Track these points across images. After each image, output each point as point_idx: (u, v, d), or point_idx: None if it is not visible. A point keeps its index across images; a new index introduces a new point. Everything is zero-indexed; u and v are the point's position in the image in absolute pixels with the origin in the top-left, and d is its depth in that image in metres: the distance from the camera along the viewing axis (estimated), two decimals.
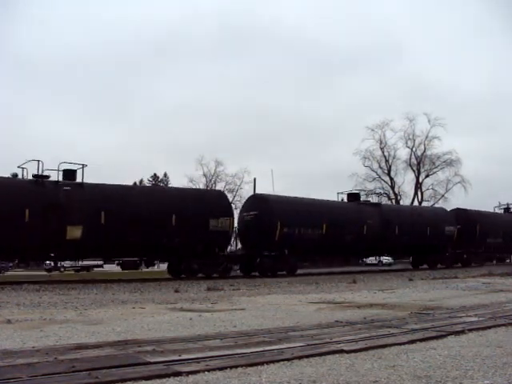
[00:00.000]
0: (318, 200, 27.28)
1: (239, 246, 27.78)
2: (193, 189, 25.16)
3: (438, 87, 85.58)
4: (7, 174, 24.18)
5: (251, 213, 24.62)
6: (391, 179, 57.23)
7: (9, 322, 7.61)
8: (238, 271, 25.07)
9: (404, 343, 5.39)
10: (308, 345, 5.23)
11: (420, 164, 56.76)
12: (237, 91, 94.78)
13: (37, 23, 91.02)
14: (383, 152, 56.67)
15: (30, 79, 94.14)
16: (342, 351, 4.92)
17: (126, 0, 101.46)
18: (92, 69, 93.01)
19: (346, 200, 30.67)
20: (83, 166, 20.01)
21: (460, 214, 34.67)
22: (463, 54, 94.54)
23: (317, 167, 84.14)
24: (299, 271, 26.04)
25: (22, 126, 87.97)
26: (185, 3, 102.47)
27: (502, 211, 40.67)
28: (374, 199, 35.46)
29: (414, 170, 56.95)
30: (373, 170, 57.21)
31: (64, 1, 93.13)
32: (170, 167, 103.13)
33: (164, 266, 26.74)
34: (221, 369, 4.17)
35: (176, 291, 15.04)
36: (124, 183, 23.94)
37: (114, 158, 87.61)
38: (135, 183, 72.93)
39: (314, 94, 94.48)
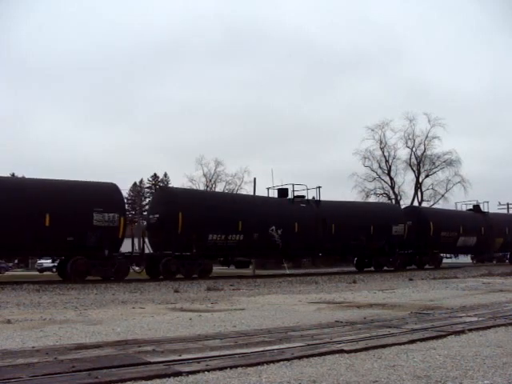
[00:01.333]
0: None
1: None
2: None
3: (438, 89, 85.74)
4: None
5: None
6: (391, 179, 57.22)
7: (9, 322, 7.61)
8: None
9: (404, 343, 5.39)
10: (308, 345, 5.22)
11: (420, 164, 56.76)
12: (237, 92, 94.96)
13: (40, 26, 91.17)
14: (383, 152, 56.69)
15: (34, 81, 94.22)
16: (341, 351, 4.91)
17: (128, 3, 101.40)
18: (95, 71, 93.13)
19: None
20: None
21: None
22: (463, 55, 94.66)
23: (317, 167, 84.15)
24: (300, 271, 26.00)
25: (24, 127, 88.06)
26: (186, 7, 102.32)
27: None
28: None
29: (414, 170, 56.96)
30: (373, 170, 57.21)
31: (67, 3, 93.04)
32: (170, 167, 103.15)
33: None
34: (221, 369, 4.17)
35: (176, 291, 15.04)
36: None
37: (114, 159, 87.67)
38: (135, 183, 73.10)
39: (315, 95, 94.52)
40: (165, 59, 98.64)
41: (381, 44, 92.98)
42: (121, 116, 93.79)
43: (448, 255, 35.07)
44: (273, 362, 4.45)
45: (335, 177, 79.25)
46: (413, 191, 56.53)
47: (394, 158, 56.88)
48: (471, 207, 35.63)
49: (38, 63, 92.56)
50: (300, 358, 4.62)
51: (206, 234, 21.38)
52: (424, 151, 56.25)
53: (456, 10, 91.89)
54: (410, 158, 56.64)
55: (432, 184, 56.75)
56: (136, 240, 22.82)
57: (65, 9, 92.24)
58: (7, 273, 36.68)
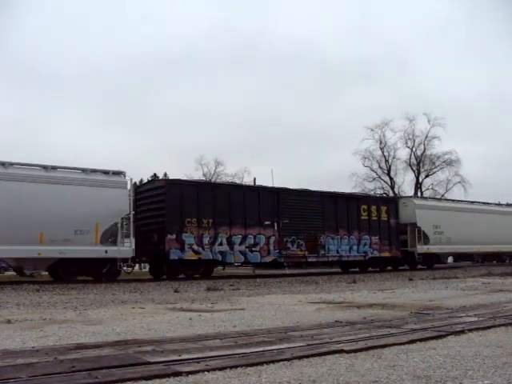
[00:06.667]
0: None
1: None
2: None
3: (439, 95, 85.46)
4: None
5: None
6: (391, 179, 57.30)
7: (9, 322, 7.61)
8: None
9: (404, 343, 5.38)
10: (308, 345, 5.22)
11: (420, 164, 56.82)
12: (237, 95, 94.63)
13: (56, 32, 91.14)
14: (383, 152, 56.76)
15: (47, 86, 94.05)
16: (341, 351, 4.91)
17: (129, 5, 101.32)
18: (97, 73, 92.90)
19: None
20: None
21: None
22: (463, 58, 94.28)
23: (317, 167, 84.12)
24: (300, 271, 26.03)
25: (26, 128, 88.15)
26: (189, 10, 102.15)
27: None
28: None
29: (413, 170, 57.02)
30: (373, 170, 57.30)
31: (85, 11, 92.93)
32: (170, 167, 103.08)
33: None
34: (221, 369, 4.17)
35: (176, 291, 15.04)
36: None
37: (114, 158, 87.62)
38: (135, 183, 73.00)
39: (315, 99, 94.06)
40: (167, 64, 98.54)
41: (383, 52, 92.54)
42: (120, 118, 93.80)
43: None
44: (273, 362, 4.45)
45: (335, 177, 79.33)
46: (413, 191, 56.55)
47: (393, 158, 56.97)
48: None
49: (52, 69, 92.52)
50: (300, 358, 4.62)
51: None
52: (424, 151, 56.33)
53: (456, 17, 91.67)
54: (410, 158, 56.72)
55: (432, 184, 56.85)
56: None
57: (84, 17, 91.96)
58: (7, 273, 36.66)
